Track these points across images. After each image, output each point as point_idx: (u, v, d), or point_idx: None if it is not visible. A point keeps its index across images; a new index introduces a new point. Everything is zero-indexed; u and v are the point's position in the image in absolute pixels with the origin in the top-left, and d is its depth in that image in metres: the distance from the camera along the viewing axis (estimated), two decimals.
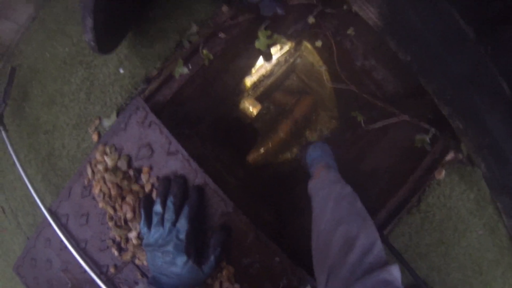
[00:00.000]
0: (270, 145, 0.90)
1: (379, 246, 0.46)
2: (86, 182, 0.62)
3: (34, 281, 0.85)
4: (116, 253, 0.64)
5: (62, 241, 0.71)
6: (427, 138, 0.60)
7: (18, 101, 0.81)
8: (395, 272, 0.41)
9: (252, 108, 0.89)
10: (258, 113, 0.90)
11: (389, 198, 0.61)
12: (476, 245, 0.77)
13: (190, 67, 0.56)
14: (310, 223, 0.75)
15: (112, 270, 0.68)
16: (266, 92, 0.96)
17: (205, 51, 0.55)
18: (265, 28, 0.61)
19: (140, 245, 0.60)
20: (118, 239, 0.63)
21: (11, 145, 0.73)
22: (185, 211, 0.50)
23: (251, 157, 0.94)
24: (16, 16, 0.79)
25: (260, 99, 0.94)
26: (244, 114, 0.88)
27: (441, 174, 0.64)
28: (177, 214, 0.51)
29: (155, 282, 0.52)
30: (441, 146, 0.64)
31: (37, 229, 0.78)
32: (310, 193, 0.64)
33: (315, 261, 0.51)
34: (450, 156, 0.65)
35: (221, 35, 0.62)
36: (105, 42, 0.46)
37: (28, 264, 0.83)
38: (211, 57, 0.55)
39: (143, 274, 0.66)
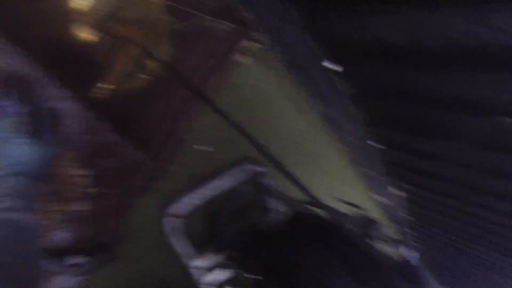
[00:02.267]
0: (112, 77, 0.98)
1: None
2: None
3: None
4: None
5: None
6: (224, 27, 0.81)
7: None
8: None
9: (89, 36, 0.96)
10: (96, 44, 0.99)
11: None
12: (289, 123, 0.99)
13: None
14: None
15: None
16: (102, 20, 1.07)
17: None
18: None
19: None
20: None
21: None
22: (17, 96, 0.63)
23: (95, 90, 1.02)
24: None
25: (96, 28, 1.04)
26: (83, 42, 0.97)
27: (240, 58, 0.85)
28: (12, 101, 0.63)
29: (7, 176, 0.62)
30: (236, 33, 0.86)
31: None
32: None
33: None
34: (245, 42, 0.86)
35: None
36: None
37: None
38: None
39: None
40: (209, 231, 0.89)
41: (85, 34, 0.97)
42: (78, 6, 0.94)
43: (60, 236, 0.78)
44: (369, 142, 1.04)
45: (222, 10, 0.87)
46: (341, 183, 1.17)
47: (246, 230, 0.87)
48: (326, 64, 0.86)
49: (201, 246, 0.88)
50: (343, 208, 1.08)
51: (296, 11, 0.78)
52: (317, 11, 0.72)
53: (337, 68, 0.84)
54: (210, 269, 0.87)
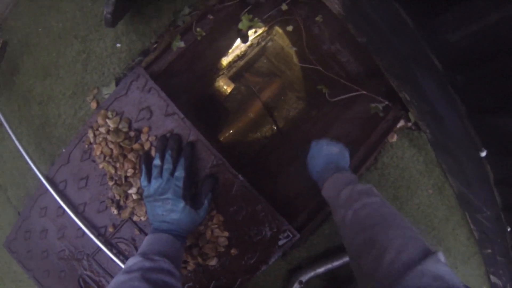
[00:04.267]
0: (241, 125, 1.02)
1: (415, 240, 0.41)
2: (86, 146, 0.72)
3: (27, 255, 0.92)
4: (115, 211, 0.75)
5: (59, 207, 0.80)
6: (380, 106, 0.78)
7: (6, 75, 0.87)
8: (442, 258, 0.38)
9: (226, 86, 1.01)
10: (230, 93, 1.02)
11: (350, 158, 0.78)
12: (427, 202, 0.97)
13: (184, 42, 0.68)
14: (283, 186, 0.90)
15: (110, 229, 0.78)
16: (238, 72, 1.09)
17: (198, 29, 0.67)
18: (247, 13, 0.75)
19: (139, 199, 0.71)
20: (117, 197, 0.73)
21: (4, 117, 0.80)
22: (181, 162, 0.63)
23: (223, 135, 1.07)
24: None
25: (233, 79, 1.07)
26: (218, 92, 1.00)
27: (394, 138, 0.83)
28: (175, 165, 0.63)
29: (156, 231, 0.63)
30: (393, 115, 0.82)
31: (31, 199, 0.85)
32: (327, 201, 0.65)
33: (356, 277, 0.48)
34: (400, 123, 0.84)
35: (210, 16, 0.75)
36: (116, 16, 0.57)
37: (22, 238, 0.90)
38: (203, 33, 0.68)
39: (140, 230, 0.77)
40: None
41: (224, 85, 0.97)
42: (220, 62, 0.94)
43: (187, 285, 0.79)
44: (507, 228, 0.95)
45: (370, 81, 0.81)
46: (462, 263, 1.07)
47: None
48: (483, 154, 0.79)
49: None
50: None
51: (462, 103, 0.71)
52: (486, 110, 0.64)
53: (485, 153, 0.76)
54: None
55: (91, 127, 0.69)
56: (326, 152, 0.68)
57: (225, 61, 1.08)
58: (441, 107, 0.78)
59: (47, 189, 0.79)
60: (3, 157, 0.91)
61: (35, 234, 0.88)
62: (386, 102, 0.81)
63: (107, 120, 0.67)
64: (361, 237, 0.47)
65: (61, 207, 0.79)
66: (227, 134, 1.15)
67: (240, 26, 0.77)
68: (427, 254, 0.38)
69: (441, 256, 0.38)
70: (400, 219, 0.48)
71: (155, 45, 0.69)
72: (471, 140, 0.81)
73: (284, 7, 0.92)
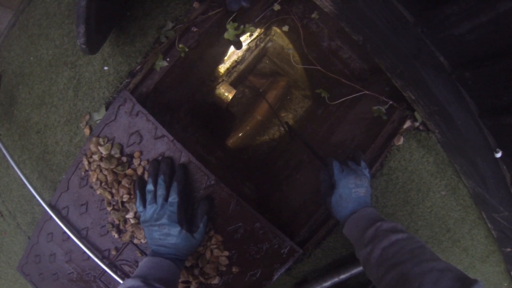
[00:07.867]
0: (248, 128, 1.01)
1: (449, 272, 0.41)
2: (82, 173, 0.72)
3: (39, 278, 0.95)
4: (116, 235, 0.75)
5: (64, 232, 0.81)
6: (383, 109, 0.73)
7: (5, 106, 0.90)
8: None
9: (227, 93, 0.99)
10: (234, 98, 1.00)
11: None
12: (440, 204, 0.91)
13: (169, 60, 0.66)
14: (288, 196, 0.87)
15: (113, 252, 0.79)
16: (240, 76, 1.06)
17: (181, 45, 0.65)
18: (233, 21, 0.72)
19: (137, 224, 0.71)
20: (117, 222, 0.74)
21: (5, 148, 0.82)
22: (174, 186, 0.62)
23: (231, 140, 1.05)
24: None
25: (234, 84, 1.04)
26: (220, 100, 0.99)
27: (400, 141, 0.77)
28: (168, 190, 0.62)
29: (155, 254, 0.63)
30: (399, 115, 0.77)
31: (38, 225, 0.87)
32: (349, 238, 0.65)
33: None
34: (407, 124, 0.78)
35: (194, 29, 0.72)
36: (94, 43, 0.56)
37: (33, 262, 0.93)
38: (186, 49, 0.66)
39: (142, 252, 0.77)
40: None
41: (225, 91, 0.95)
42: (218, 70, 0.92)
43: None
44: None
45: (375, 81, 0.75)
46: (480, 261, 1.01)
47: None
48: (498, 155, 0.72)
49: None
50: None
51: (474, 102, 0.64)
52: (500, 109, 0.58)
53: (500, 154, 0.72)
54: None
55: (85, 155, 0.69)
56: (355, 196, 0.65)
57: (222, 68, 1.06)
58: (451, 106, 0.73)
59: (51, 216, 0.81)
60: (9, 186, 0.94)
61: (44, 258, 0.91)
62: (390, 102, 0.76)
63: (99, 147, 0.66)
64: (392, 274, 0.47)
65: (65, 232, 0.80)
66: (235, 139, 1.13)
67: (226, 36, 0.74)
68: (464, 283, 0.37)
69: (481, 285, 0.38)
70: (430, 252, 0.48)
71: (139, 67, 0.67)
72: (484, 141, 0.74)
73: (276, 7, 0.88)
